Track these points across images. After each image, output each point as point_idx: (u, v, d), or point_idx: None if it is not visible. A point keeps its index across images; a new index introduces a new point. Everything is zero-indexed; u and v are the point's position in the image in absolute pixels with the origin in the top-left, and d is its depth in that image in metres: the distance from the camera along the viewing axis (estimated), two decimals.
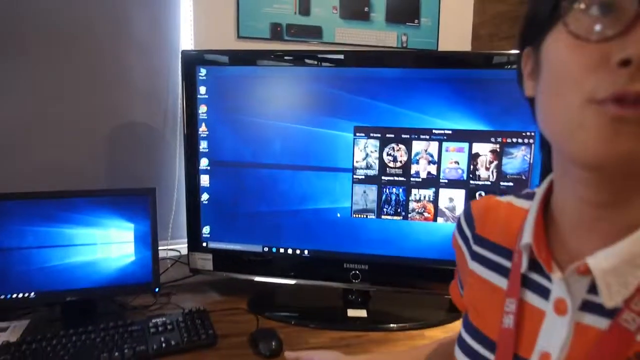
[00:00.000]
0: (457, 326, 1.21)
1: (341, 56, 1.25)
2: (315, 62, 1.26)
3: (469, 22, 1.68)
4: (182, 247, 1.52)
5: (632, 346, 0.42)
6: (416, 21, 1.59)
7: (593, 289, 0.45)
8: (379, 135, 1.23)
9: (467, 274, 0.64)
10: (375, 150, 1.24)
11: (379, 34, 1.57)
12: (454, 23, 1.65)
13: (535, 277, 0.52)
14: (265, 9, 1.46)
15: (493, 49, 1.60)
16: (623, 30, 0.37)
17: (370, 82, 1.22)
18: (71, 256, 1.19)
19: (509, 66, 1.17)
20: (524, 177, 1.19)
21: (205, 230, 1.36)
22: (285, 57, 1.28)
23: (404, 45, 1.60)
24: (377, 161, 1.24)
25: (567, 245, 0.49)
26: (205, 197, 1.34)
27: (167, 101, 1.45)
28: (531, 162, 1.18)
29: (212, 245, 1.36)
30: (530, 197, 0.58)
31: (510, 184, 1.19)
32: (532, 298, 0.51)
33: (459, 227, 0.68)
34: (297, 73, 1.25)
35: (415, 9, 1.58)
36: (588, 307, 0.46)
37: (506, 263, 0.57)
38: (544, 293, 0.50)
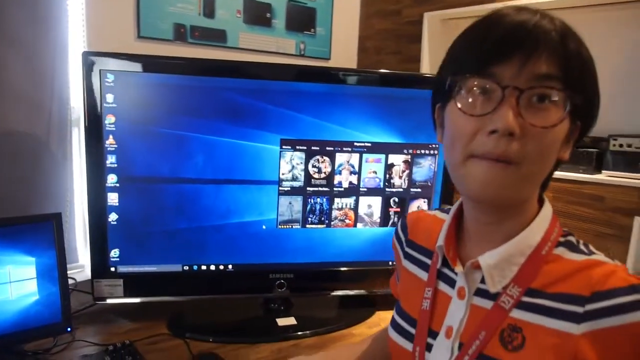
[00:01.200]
0: (377, 320, 1.33)
1: (266, 69, 1.24)
2: (240, 74, 1.22)
3: (356, 35, 1.80)
4: (75, 272, 1.33)
5: (506, 319, 0.59)
6: (312, 30, 1.64)
7: (484, 280, 0.61)
8: (304, 147, 1.26)
9: (400, 269, 0.80)
10: (301, 162, 1.26)
11: (279, 41, 1.58)
12: (343, 34, 1.75)
13: (446, 271, 0.68)
14: (169, 8, 1.35)
15: (380, 62, 1.75)
16: (493, 109, 0.54)
17: (295, 95, 1.24)
18: None
19: (420, 86, 1.31)
20: (429, 184, 1.35)
21: (114, 253, 1.22)
22: (206, 67, 1.21)
23: (302, 52, 1.64)
24: (302, 173, 1.27)
25: (469, 248, 0.66)
26: (113, 217, 1.20)
27: (50, 107, 1.24)
28: (435, 170, 1.34)
29: (122, 269, 1.23)
30: (449, 212, 0.75)
31: (419, 190, 1.35)
32: (443, 287, 0.68)
33: (397, 233, 0.84)
34: (221, 84, 1.20)
35: (312, 18, 1.63)
36: (479, 293, 0.62)
37: (428, 261, 0.73)
38: (451, 283, 0.66)
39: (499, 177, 0.55)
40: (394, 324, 0.75)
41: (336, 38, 1.72)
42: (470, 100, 0.56)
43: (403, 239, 0.81)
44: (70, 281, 1.30)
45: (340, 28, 1.72)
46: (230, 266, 1.28)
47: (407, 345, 0.69)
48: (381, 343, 0.86)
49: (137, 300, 1.26)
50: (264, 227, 1.28)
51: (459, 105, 0.57)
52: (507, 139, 0.53)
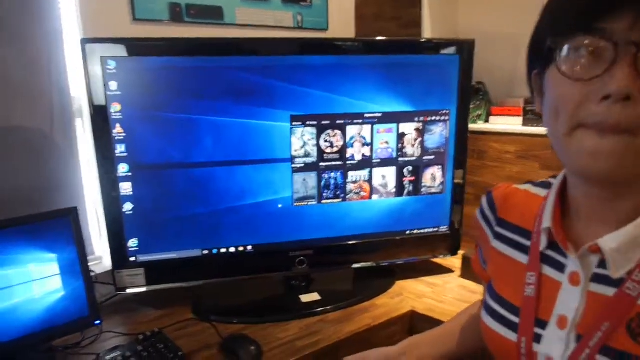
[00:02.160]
0: (399, 290, 1.34)
1: (270, 44, 1.21)
2: (245, 51, 1.19)
3: (352, 3, 1.75)
4: (93, 265, 1.32)
5: (634, 308, 0.53)
6: (308, 1, 1.60)
7: (602, 264, 0.56)
8: (315, 122, 1.24)
9: (489, 251, 0.73)
10: (313, 138, 1.25)
11: (276, 14, 1.53)
12: (339, 3, 1.70)
13: (552, 254, 0.62)
14: None
15: (378, 30, 1.71)
16: (604, 71, 0.48)
17: (302, 70, 1.21)
18: None
19: (426, 52, 1.29)
20: (442, 150, 1.34)
21: (132, 243, 1.21)
22: (211, 46, 1.18)
23: (300, 25, 1.60)
24: (315, 148, 1.26)
25: (579, 229, 0.60)
26: (128, 207, 1.18)
27: (51, 101, 1.20)
28: (447, 136, 1.33)
29: (143, 258, 1.22)
30: (545, 185, 0.69)
31: (432, 157, 1.34)
32: (549, 271, 0.62)
33: (482, 211, 0.76)
34: (226, 63, 1.16)
35: None
36: (598, 279, 0.56)
37: (525, 242, 0.66)
38: (560, 267, 0.60)
39: (615, 150, 0.48)
40: (489, 310, 0.69)
41: (333, 7, 1.68)
42: (575, 62, 0.50)
43: (491, 217, 0.73)
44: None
45: None
46: (249, 247, 1.28)
47: (510, 335, 0.63)
48: (468, 330, 0.83)
49: (159, 287, 1.26)
50: (279, 205, 1.27)
51: (563, 69, 0.51)
52: (623, 105, 0.47)
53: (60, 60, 1.20)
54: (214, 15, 1.41)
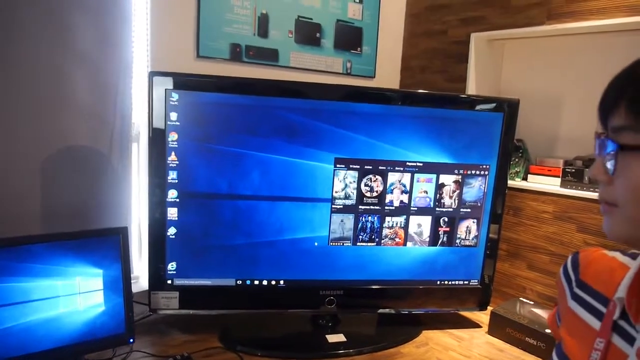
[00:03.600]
0: (425, 340, 1.34)
1: (321, 89, 1.27)
2: (296, 94, 1.25)
3: (399, 54, 1.82)
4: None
5: None
6: (359, 49, 1.67)
7: None
8: (358, 166, 1.28)
9: (565, 310, 0.74)
10: (354, 181, 1.29)
11: (327, 60, 1.61)
12: (388, 53, 1.77)
13: (625, 325, 0.62)
14: (226, 29, 1.39)
15: (423, 81, 1.77)
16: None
17: (349, 115, 1.26)
18: (29, 314, 1.00)
19: (472, 108, 1.33)
20: (479, 204, 1.36)
21: (171, 266, 1.25)
22: (265, 86, 1.25)
23: (349, 71, 1.67)
24: (355, 191, 1.29)
25: None
26: (172, 231, 1.23)
27: (113, 122, 1.29)
28: (485, 190, 1.35)
29: (179, 282, 1.26)
30: (634, 256, 0.70)
31: (469, 210, 1.36)
32: (618, 341, 0.62)
33: (565, 269, 0.76)
34: (278, 103, 1.23)
35: (359, 38, 1.66)
36: None
37: (602, 308, 0.66)
38: (630, 340, 0.60)
39: (607, 222, 0.58)
40: None
41: (381, 57, 1.75)
42: None
43: (573, 277, 0.74)
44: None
45: (385, 47, 1.75)
46: (281, 281, 1.31)
47: None
48: None
49: (190, 312, 1.29)
50: (315, 244, 1.30)
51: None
52: (602, 186, 0.57)
53: (126, 89, 1.29)
54: (270, 57, 1.49)
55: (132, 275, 1.39)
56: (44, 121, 1.19)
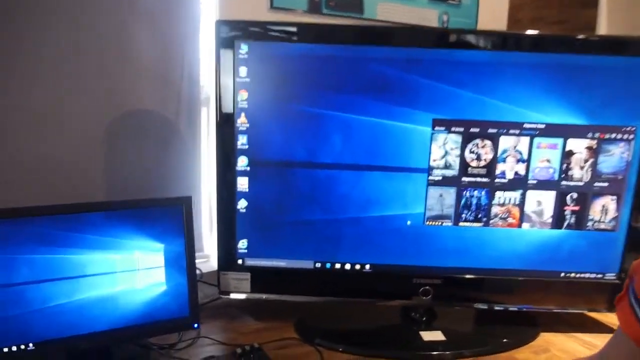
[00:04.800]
0: (544, 344, 1.08)
1: (418, 34, 1.05)
2: (388, 41, 1.04)
3: (506, 5, 1.54)
4: (200, 262, 1.25)
5: None
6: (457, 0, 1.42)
7: None
8: (461, 129, 1.04)
9: None
10: (457, 147, 1.05)
11: (421, 12, 1.38)
12: (491, 4, 1.50)
13: None
14: None
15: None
16: None
17: (451, 66, 1.03)
18: (83, 291, 0.89)
19: (613, 51, 1.04)
20: (620, 177, 1.06)
21: (242, 244, 1.10)
22: (352, 34, 1.05)
23: (445, 24, 1.42)
24: (457, 159, 1.06)
25: None
26: (242, 204, 1.08)
27: (180, 85, 1.16)
28: (629, 160, 1.06)
29: (250, 262, 1.11)
30: None
31: (606, 184, 1.07)
32: None
33: None
34: (366, 54, 1.02)
35: None
36: None
37: None
38: None
39: None
40: None
41: (484, 8, 1.48)
42: None
43: None
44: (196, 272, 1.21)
45: None
46: (367, 266, 1.11)
47: None
48: None
49: (263, 297, 1.13)
50: (408, 222, 1.09)
51: None
52: None
53: (194, 47, 1.16)
54: (354, 8, 1.29)
55: (202, 253, 1.28)
56: (108, 83, 1.09)
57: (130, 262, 0.92)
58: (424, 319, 1.16)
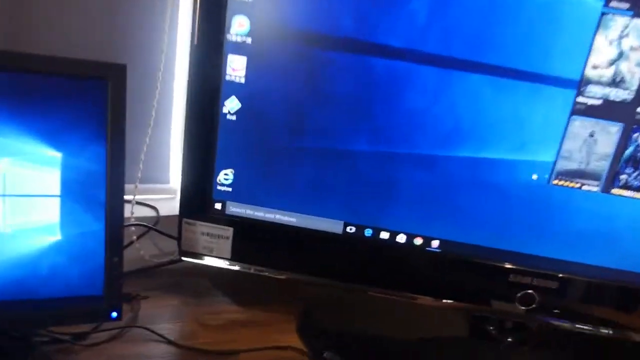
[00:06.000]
0: None
1: None
2: None
3: None
4: (159, 200, 0.79)
5: None
6: None
7: None
8: None
9: None
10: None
11: None
12: None
13: None
14: None
15: None
16: None
17: None
18: None
19: None
20: None
21: (224, 177, 0.64)
22: None
23: None
24: (639, 71, 0.57)
25: None
26: (232, 105, 0.61)
27: None
28: None
29: (235, 209, 0.65)
30: None
31: None
32: None
33: None
34: None
35: None
36: None
37: None
38: None
39: None
40: None
41: None
42: None
43: None
44: (149, 212, 0.75)
45: None
46: (435, 242, 0.64)
47: None
48: None
49: (249, 269, 0.68)
50: (533, 177, 0.61)
51: None
52: None
53: None
54: None
55: (166, 186, 0.82)
56: None
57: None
58: (509, 339, 0.71)
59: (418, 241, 0.64)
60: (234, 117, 0.61)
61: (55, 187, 0.48)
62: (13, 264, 0.48)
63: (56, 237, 0.49)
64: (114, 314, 0.51)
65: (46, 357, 0.53)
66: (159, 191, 0.79)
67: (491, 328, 0.71)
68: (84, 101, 0.48)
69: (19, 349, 0.54)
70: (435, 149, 0.60)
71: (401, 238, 0.64)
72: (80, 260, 0.50)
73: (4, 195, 0.46)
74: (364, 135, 0.61)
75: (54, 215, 0.48)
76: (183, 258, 0.68)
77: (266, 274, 0.67)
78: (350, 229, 0.64)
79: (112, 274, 0.51)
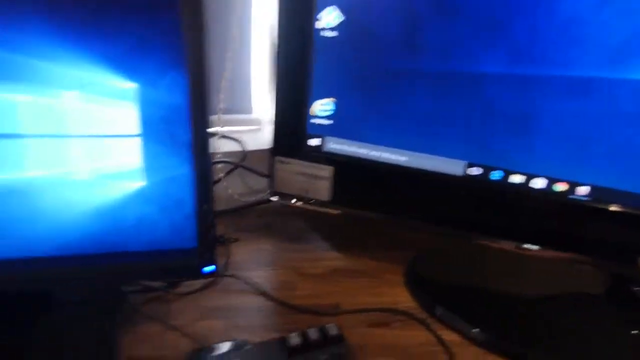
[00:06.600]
0: None
1: None
2: None
3: None
4: (236, 130, 0.71)
5: None
6: None
7: None
8: None
9: None
10: None
11: None
12: None
13: None
14: None
15: None
16: None
17: None
18: None
19: None
20: None
21: (322, 107, 0.54)
22: None
23: None
24: None
25: None
26: (331, 19, 0.49)
27: None
28: None
29: (335, 146, 0.55)
30: None
31: None
32: None
33: None
34: None
35: None
36: None
37: None
38: None
39: None
40: None
41: None
42: None
43: None
44: (234, 147, 0.68)
45: None
46: (583, 188, 0.51)
47: None
48: None
49: (358, 213, 0.60)
50: None
51: None
52: None
53: None
54: None
55: (248, 118, 0.74)
56: None
57: (59, 115, 0.39)
58: None
59: (560, 187, 0.52)
60: (333, 34, 0.50)
61: (134, 124, 0.40)
62: (95, 214, 0.42)
63: (140, 183, 0.42)
64: (208, 268, 0.45)
65: (135, 309, 0.49)
66: (243, 122, 0.71)
67: (636, 287, 0.59)
68: (157, 18, 0.38)
69: (105, 300, 0.50)
70: (597, 70, 0.46)
71: (538, 183, 0.52)
72: (169, 209, 0.43)
73: (74, 136, 0.39)
74: (499, 52, 0.47)
75: (135, 158, 0.41)
76: (273, 199, 0.61)
77: (369, 217, 0.59)
78: (473, 171, 0.53)
79: (204, 223, 0.44)
